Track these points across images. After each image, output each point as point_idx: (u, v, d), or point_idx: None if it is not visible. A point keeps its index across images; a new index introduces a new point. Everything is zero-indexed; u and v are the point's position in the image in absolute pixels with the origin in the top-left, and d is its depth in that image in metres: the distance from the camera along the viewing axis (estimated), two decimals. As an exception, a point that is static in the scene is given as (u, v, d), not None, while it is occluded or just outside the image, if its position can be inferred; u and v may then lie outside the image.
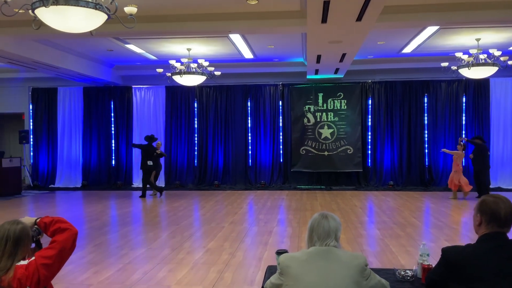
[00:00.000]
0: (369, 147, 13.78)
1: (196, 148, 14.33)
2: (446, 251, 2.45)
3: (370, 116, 13.80)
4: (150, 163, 12.03)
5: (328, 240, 2.47)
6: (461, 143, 11.36)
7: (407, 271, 2.98)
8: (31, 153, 14.70)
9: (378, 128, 13.71)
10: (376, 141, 13.70)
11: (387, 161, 13.64)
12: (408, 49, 11.75)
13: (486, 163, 11.04)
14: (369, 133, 13.80)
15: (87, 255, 6.02)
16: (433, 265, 2.67)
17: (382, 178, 13.61)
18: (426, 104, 13.57)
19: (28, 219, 2.52)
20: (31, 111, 14.74)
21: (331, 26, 7.68)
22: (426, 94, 13.56)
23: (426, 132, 13.49)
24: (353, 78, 13.75)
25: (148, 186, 12.17)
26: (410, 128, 13.60)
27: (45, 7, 5.08)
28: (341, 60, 10.94)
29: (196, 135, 14.35)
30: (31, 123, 14.70)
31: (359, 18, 7.28)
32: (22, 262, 2.30)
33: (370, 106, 13.81)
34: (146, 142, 12.23)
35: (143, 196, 12.08)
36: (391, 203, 10.60)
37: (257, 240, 6.85)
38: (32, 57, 10.31)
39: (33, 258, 2.34)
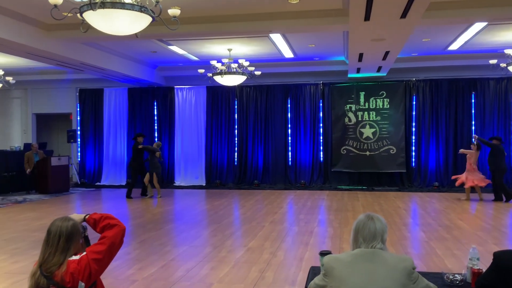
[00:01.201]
0: (413, 147, 13.42)
1: (236, 147, 14.43)
2: (497, 256, 2.36)
3: (414, 115, 13.45)
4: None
5: (374, 242, 2.42)
6: (474, 142, 11.04)
7: (456, 275, 2.88)
8: (79, 152, 15.26)
9: (423, 128, 13.34)
10: (421, 140, 13.34)
11: (432, 162, 13.25)
12: (454, 46, 11.37)
13: (499, 164, 10.61)
14: (413, 133, 13.44)
15: (132, 252, 6.19)
16: (484, 270, 2.58)
17: (426, 179, 13.24)
18: (473, 103, 13.09)
19: (76, 216, 2.61)
20: (78, 111, 15.31)
21: (374, 23, 7.53)
22: (473, 93, 13.09)
23: (473, 131, 13.00)
24: (397, 76, 13.44)
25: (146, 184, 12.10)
26: (457, 128, 13.16)
27: (93, 10, 5.26)
28: (384, 58, 10.72)
29: (236, 134, 14.45)
30: (78, 123, 15.27)
31: (403, 15, 7.10)
32: (74, 257, 2.38)
33: (414, 105, 13.46)
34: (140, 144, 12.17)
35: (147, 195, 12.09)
36: (436, 205, 10.30)
37: (298, 240, 6.81)
38: (79, 59, 10.69)
39: (85, 253, 2.42)
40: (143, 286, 4.76)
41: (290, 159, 14.10)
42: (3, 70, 11.57)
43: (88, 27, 5.77)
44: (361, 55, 10.32)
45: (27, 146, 14.00)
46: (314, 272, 2.93)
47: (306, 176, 13.91)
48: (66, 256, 2.36)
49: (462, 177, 10.89)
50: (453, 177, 11.40)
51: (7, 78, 11.72)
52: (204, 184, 14.32)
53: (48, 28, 9.27)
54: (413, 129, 13.45)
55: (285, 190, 13.32)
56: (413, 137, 13.44)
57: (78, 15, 5.48)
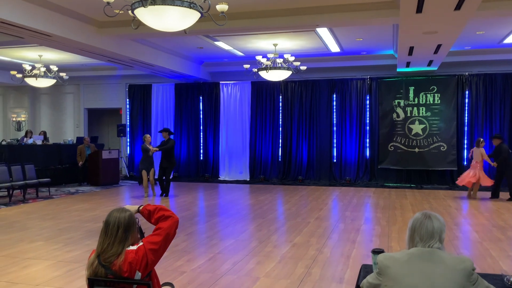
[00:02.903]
0: (466, 144, 12.91)
1: (280, 143, 14.41)
2: None
3: (466, 111, 12.93)
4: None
5: (431, 242, 2.33)
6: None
7: (517, 278, 2.74)
8: (128, 146, 15.71)
9: (476, 124, 12.81)
10: (473, 137, 12.79)
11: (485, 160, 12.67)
12: (510, 39, 10.83)
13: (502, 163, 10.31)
14: (466, 129, 12.92)
15: (180, 243, 6.30)
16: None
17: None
18: (531, 98, 12.43)
19: (131, 207, 2.67)
20: (127, 106, 15.76)
21: (426, 16, 7.28)
22: (531, 87, 12.42)
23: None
24: (448, 71, 12.95)
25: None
26: (512, 124, 12.55)
27: (144, 7, 5.38)
28: (435, 52, 10.35)
29: (280, 130, 14.42)
30: (127, 118, 15.72)
31: (457, 7, 6.82)
32: (132, 247, 2.44)
33: (467, 100, 12.93)
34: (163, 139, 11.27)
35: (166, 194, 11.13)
36: (490, 204, 9.86)
37: (344, 237, 6.72)
38: (130, 55, 10.98)
39: (141, 243, 2.48)
40: (191, 277, 4.84)
41: (335, 155, 13.92)
42: (57, 66, 12.07)
43: (139, 24, 5.91)
44: (411, 49, 10.01)
45: (80, 140, 14.56)
46: (366, 270, 2.87)
47: (351, 172, 13.69)
48: (124, 246, 2.42)
49: (468, 177, 10.65)
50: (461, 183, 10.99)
51: (61, 74, 12.20)
52: (248, 179, 14.40)
53: (100, 25, 9.58)
54: (465, 125, 12.94)
55: (330, 186, 13.17)
56: (465, 134, 12.93)
57: (130, 12, 5.61)
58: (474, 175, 10.54)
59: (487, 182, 10.48)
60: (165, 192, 11.11)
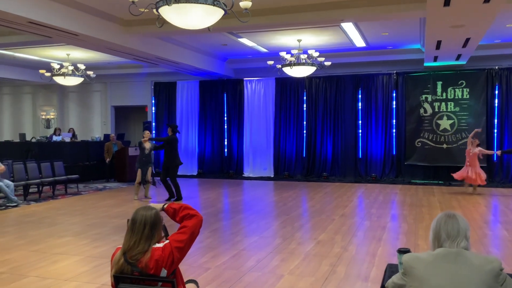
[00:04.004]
0: (496, 140, 12.56)
1: (304, 139, 14.33)
2: None
3: (496, 106, 12.58)
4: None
5: (457, 240, 2.27)
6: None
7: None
8: (153, 142, 15.85)
9: (506, 119, 12.44)
10: (504, 133, 12.45)
11: (516, 156, 12.34)
12: (544, 31, 10.46)
13: None
14: (496, 125, 12.58)
15: (204, 240, 6.35)
16: None
17: (509, 174, 12.38)
18: None
19: (156, 205, 2.70)
20: (153, 104, 15.95)
21: (454, 9, 7.09)
22: None
23: None
24: (477, 65, 12.61)
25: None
26: (545, 119, 12.14)
27: (168, 5, 5.41)
28: (464, 46, 10.09)
29: (304, 126, 14.34)
30: (153, 115, 15.91)
31: (486, 0, 6.62)
32: (158, 245, 2.47)
33: (496, 95, 12.58)
34: (166, 134, 10.49)
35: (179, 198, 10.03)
36: (521, 202, 9.59)
37: (370, 235, 6.63)
38: (155, 53, 11.10)
39: (167, 241, 2.50)
40: (215, 274, 4.87)
41: (360, 152, 13.76)
42: (84, 65, 12.31)
43: (163, 22, 5.95)
44: (439, 43, 9.79)
45: (107, 137, 14.82)
46: (391, 269, 2.82)
47: (377, 169, 13.51)
48: (151, 243, 2.45)
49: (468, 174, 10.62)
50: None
51: (88, 72, 12.43)
52: (272, 176, 14.39)
53: (126, 24, 9.70)
54: (495, 120, 12.59)
55: (355, 183, 13.04)
56: (495, 130, 12.58)
57: (154, 10, 5.66)
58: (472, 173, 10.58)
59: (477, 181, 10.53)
60: (172, 195, 9.93)
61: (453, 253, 2.25)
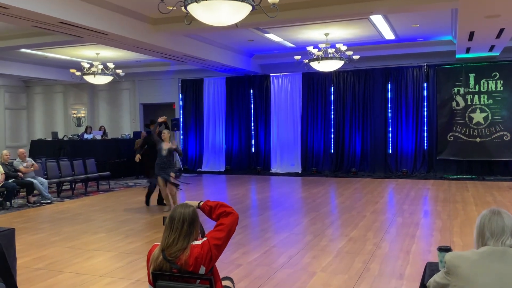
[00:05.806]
0: (532, 133, 12.16)
1: (332, 134, 14.17)
2: None
3: (532, 98, 12.15)
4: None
5: (503, 237, 2.19)
6: None
7: None
8: (181, 139, 16.04)
9: (544, 112, 12.01)
10: (540, 126, 12.03)
11: (554, 149, 11.90)
12: None
13: None
14: (532, 117, 12.16)
15: (235, 236, 6.27)
16: None
17: (547, 169, 11.96)
18: None
19: (192, 203, 2.70)
20: (180, 101, 16.08)
21: (489, -2, 6.86)
22: None
23: None
24: (511, 56, 12.20)
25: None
26: None
27: (196, 2, 5.41)
28: (497, 37, 9.75)
29: (332, 121, 14.18)
30: (181, 112, 16.05)
31: (524, -14, 6.38)
32: (196, 242, 2.48)
33: (532, 87, 12.14)
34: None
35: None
36: (561, 197, 9.25)
37: (403, 232, 6.51)
38: (182, 51, 11.16)
39: (205, 238, 2.51)
40: (247, 270, 4.86)
41: (390, 146, 13.52)
42: (113, 64, 12.49)
43: (191, 20, 5.95)
44: (471, 34, 9.49)
45: (136, 134, 15.02)
46: (431, 268, 2.74)
47: (408, 164, 13.25)
48: (190, 241, 2.45)
49: None
50: None
51: (117, 71, 12.61)
52: (300, 172, 14.30)
53: (154, 22, 9.78)
54: (532, 113, 12.16)
55: (385, 178, 12.83)
56: (532, 122, 12.17)
57: (182, 8, 5.66)
58: None
59: None
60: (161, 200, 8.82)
61: (499, 251, 2.17)
